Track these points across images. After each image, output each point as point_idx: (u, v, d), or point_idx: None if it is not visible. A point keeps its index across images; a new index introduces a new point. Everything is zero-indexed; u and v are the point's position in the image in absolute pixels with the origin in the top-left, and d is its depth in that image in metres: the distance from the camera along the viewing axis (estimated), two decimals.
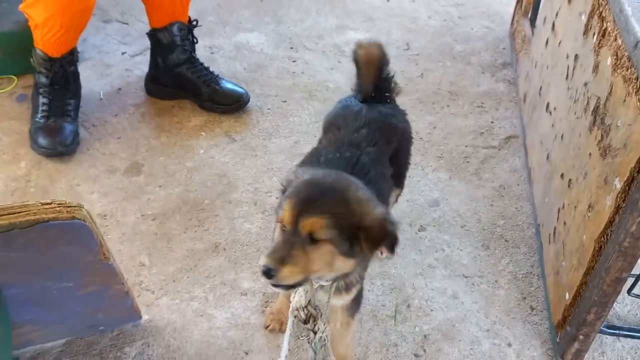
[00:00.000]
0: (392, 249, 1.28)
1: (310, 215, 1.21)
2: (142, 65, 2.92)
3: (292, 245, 1.21)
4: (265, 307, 1.94)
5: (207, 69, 2.70)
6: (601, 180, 1.53)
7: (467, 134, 2.64)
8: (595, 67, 1.68)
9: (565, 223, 1.79)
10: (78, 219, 1.19)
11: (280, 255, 1.20)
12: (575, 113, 1.82)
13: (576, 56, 1.88)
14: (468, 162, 2.50)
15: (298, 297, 1.41)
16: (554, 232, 1.89)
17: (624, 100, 1.43)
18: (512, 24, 3.17)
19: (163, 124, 2.64)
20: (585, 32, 1.80)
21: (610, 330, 1.80)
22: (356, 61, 1.80)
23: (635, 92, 1.37)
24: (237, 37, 3.21)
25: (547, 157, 2.07)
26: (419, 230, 2.20)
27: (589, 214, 1.59)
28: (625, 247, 1.39)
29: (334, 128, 1.72)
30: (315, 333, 1.41)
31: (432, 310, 1.95)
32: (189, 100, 2.74)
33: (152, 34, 2.62)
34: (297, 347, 1.46)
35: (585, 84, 1.75)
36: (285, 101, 2.79)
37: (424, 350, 1.83)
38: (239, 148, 2.53)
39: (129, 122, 2.65)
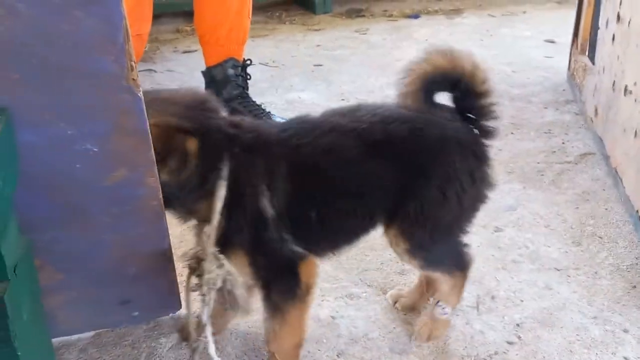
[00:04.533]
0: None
1: None
2: None
3: None
4: (322, 301, 1.67)
5: (259, 105, 2.68)
6: None
7: (537, 154, 2.43)
8: None
9: None
10: None
11: None
12: None
13: None
14: (542, 175, 2.27)
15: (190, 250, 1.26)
16: None
17: None
18: (569, 67, 3.08)
19: None
20: None
21: None
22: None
23: None
24: (288, 95, 3.23)
25: (635, 135, 1.84)
26: (494, 231, 1.93)
27: None
28: None
29: None
30: (200, 277, 1.20)
31: (522, 301, 1.62)
32: None
33: (207, 72, 2.65)
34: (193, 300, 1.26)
35: None
36: None
37: (519, 337, 1.49)
38: None
39: None
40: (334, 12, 4.97)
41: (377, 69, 3.55)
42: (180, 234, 2.00)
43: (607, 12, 2.32)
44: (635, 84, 1.87)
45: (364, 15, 4.91)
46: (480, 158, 1.30)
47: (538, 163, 2.34)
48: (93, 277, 1.31)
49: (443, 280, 1.41)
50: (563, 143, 2.50)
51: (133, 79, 0.93)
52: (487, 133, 1.32)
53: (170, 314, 1.61)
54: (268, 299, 1.27)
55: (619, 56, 2.08)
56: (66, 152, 0.99)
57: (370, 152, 1.22)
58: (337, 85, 3.33)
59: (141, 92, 0.98)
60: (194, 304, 1.29)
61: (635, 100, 1.86)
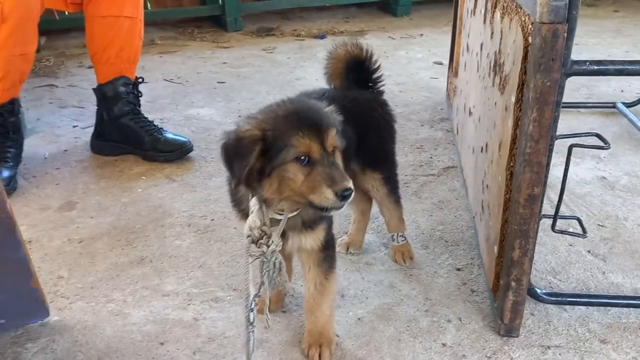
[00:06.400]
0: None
1: (329, 133, 1.31)
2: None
3: (334, 163, 1.31)
4: (188, 305, 1.80)
5: (151, 121, 2.78)
6: (504, 112, 1.56)
7: (406, 167, 2.67)
8: (492, 33, 1.79)
9: (487, 186, 1.77)
10: None
11: (345, 175, 1.30)
12: (484, 87, 1.89)
13: (481, 45, 2.00)
14: (407, 186, 2.50)
15: (252, 219, 1.40)
16: (482, 207, 1.85)
17: (509, 28, 1.51)
18: (447, 88, 3.37)
19: (104, 173, 2.65)
20: (484, 20, 1.95)
21: (552, 298, 1.68)
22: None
23: (515, 14, 1.46)
24: (188, 112, 3.35)
25: (472, 151, 2.10)
26: None
27: (500, 153, 1.58)
28: (528, 154, 1.37)
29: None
30: (268, 246, 1.39)
31: (367, 298, 1.82)
32: (133, 155, 2.77)
33: (98, 89, 2.73)
34: (252, 266, 1.42)
35: (487, 55, 1.85)
36: None
37: (357, 330, 1.68)
38: (179, 186, 2.52)
39: (70, 173, 2.66)
40: (245, 30, 5.14)
41: (276, 87, 3.74)
42: (60, 246, 2.09)
43: (463, 42, 2.60)
44: (474, 106, 2.13)
45: (274, 34, 5.10)
46: (386, 106, 1.86)
47: (406, 175, 2.58)
48: None
49: (394, 215, 1.94)
50: (431, 157, 2.75)
51: None
52: (380, 93, 1.89)
53: (39, 321, 1.70)
54: (322, 263, 1.55)
55: (468, 81, 2.35)
56: None
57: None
58: (236, 102, 3.48)
59: None
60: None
61: (473, 120, 2.11)
